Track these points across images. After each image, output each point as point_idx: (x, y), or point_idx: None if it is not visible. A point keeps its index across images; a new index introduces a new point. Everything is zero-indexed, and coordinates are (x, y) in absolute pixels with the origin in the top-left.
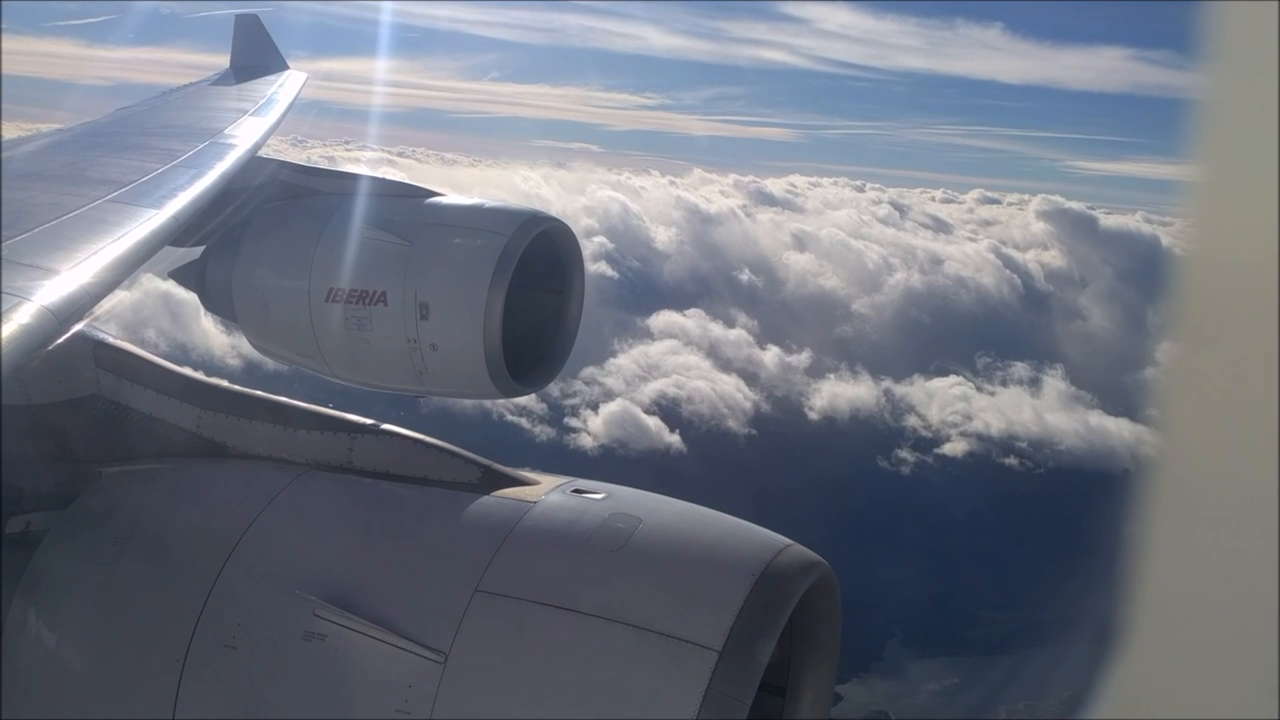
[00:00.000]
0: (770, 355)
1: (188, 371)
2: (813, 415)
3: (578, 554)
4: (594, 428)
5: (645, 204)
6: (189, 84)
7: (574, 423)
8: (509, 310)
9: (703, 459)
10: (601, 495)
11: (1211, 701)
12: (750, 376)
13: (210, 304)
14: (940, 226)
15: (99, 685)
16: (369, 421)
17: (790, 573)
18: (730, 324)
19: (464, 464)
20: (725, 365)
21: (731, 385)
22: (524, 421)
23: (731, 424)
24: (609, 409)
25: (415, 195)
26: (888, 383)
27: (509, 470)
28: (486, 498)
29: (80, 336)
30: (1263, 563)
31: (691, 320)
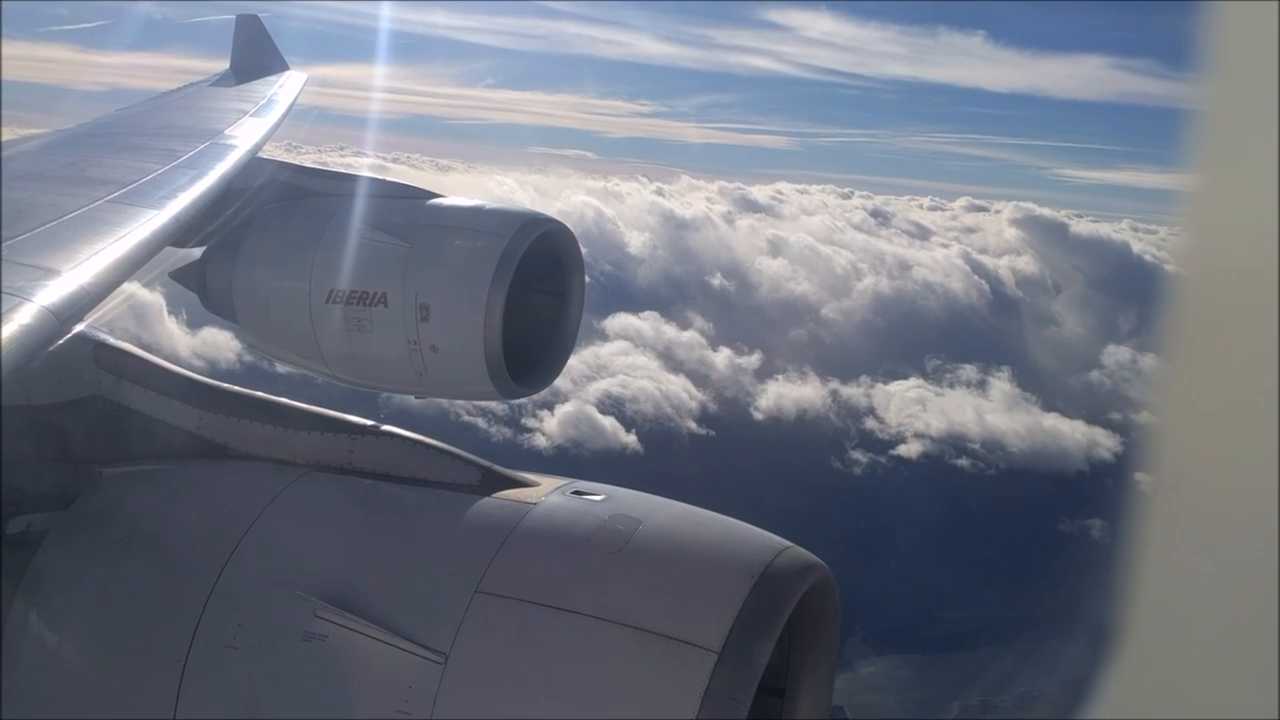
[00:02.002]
0: (722, 357)
1: (188, 373)
2: (768, 417)
3: (577, 555)
4: (549, 428)
5: (622, 209)
6: (189, 84)
7: (530, 423)
8: (509, 312)
9: (659, 459)
10: (601, 497)
11: (1211, 702)
12: (700, 378)
13: (211, 305)
14: (920, 233)
15: (100, 686)
16: (369, 423)
17: (789, 574)
18: (684, 326)
19: (464, 465)
20: (676, 366)
21: (678, 385)
22: (480, 422)
23: (681, 424)
24: (564, 409)
25: (415, 197)
26: (846, 385)
27: (509, 472)
28: (486, 499)
29: (81, 337)
30: (1262, 565)
31: (646, 322)
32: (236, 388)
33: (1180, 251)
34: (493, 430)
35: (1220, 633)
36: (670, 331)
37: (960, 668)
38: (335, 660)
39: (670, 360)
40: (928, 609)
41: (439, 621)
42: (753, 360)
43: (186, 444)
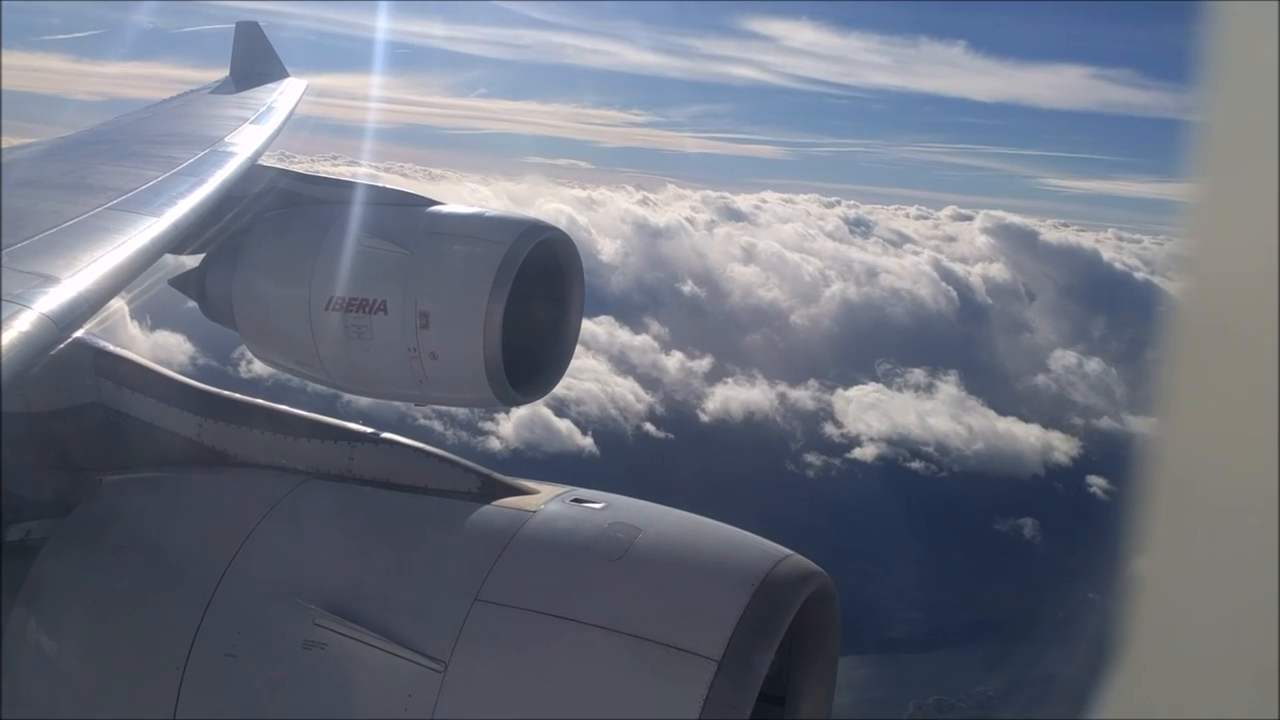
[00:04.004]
0: (675, 361)
1: (188, 379)
2: (726, 421)
3: (577, 563)
4: (505, 432)
5: (596, 217)
6: (188, 91)
7: (487, 426)
8: (508, 319)
9: (616, 463)
10: (601, 505)
11: (1211, 703)
12: (651, 381)
13: (210, 312)
14: (899, 241)
15: (99, 693)
16: (369, 430)
17: (789, 583)
18: (639, 330)
19: (464, 473)
20: (627, 370)
21: (626, 388)
22: (437, 425)
23: (639, 427)
24: (519, 412)
25: (415, 204)
26: (805, 390)
27: (508, 479)
28: (486, 507)
29: (80, 344)
30: (1262, 566)
31: (601, 327)
32: (236, 395)
33: (1179, 259)
34: (449, 433)
35: (1218, 637)
36: (624, 335)
37: (916, 668)
38: (335, 668)
39: (622, 364)
40: (886, 610)
41: (438, 630)
42: (707, 365)
43: (186, 451)
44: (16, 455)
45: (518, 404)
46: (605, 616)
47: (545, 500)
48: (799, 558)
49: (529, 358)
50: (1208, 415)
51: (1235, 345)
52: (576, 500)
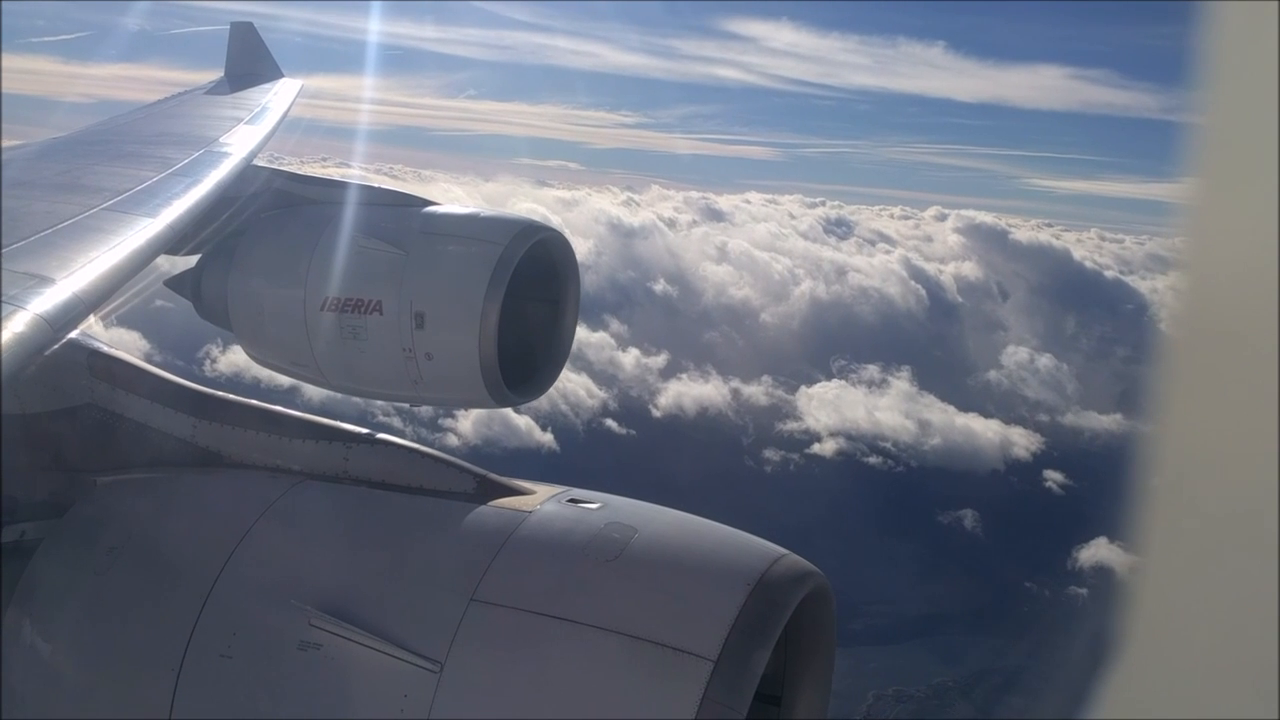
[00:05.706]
0: (630, 357)
1: (182, 380)
2: (685, 417)
3: (573, 564)
4: (463, 429)
5: (570, 217)
6: (183, 91)
7: (446, 422)
8: (504, 320)
9: (574, 457)
10: (597, 505)
11: (1211, 703)
12: (606, 378)
13: (205, 313)
14: (876, 241)
15: (94, 695)
16: (364, 431)
17: (785, 582)
18: (595, 327)
19: (459, 474)
20: (581, 366)
21: (578, 384)
22: (397, 421)
23: (599, 423)
24: (477, 409)
25: (411, 204)
26: (762, 386)
27: (504, 480)
28: (482, 507)
29: (75, 345)
30: (1261, 566)
31: None
32: (231, 395)
33: (1176, 258)
34: (408, 430)
35: (1217, 637)
36: (581, 333)
37: (876, 660)
38: (330, 669)
39: (577, 360)
40: (846, 603)
41: (434, 630)
42: (663, 361)
43: (180, 452)
44: (11, 456)
45: (513, 404)
46: (601, 617)
47: (541, 500)
48: (795, 557)
49: (524, 358)
50: (1204, 415)
51: (1232, 344)
52: (573, 500)
